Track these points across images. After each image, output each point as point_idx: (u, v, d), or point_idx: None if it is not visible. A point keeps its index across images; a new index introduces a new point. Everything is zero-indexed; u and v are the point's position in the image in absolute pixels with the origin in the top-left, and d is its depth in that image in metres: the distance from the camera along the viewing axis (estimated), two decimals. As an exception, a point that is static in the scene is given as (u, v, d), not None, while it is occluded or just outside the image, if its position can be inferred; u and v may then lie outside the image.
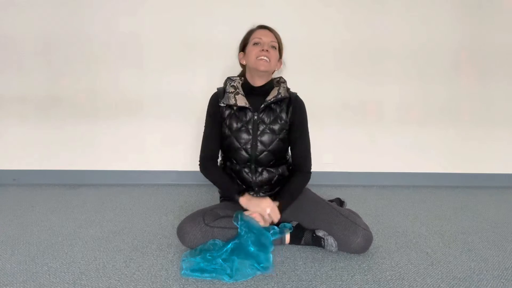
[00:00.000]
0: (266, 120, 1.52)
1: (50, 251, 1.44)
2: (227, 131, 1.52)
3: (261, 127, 1.51)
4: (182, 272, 1.25)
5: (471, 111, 2.47)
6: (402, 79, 2.41)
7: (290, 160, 1.64)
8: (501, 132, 2.50)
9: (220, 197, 1.67)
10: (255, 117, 1.51)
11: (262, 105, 1.51)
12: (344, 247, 1.43)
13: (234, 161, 1.55)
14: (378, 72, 2.39)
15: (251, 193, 1.55)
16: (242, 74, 1.61)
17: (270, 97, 1.51)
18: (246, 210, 1.45)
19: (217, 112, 1.53)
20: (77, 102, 2.33)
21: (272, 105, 1.53)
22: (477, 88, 2.44)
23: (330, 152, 2.46)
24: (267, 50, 1.46)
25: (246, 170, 1.55)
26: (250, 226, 1.35)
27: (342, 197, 1.89)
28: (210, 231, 1.39)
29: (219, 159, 1.63)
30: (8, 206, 1.97)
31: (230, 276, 1.22)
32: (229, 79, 1.58)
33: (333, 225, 1.44)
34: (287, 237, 1.49)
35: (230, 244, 1.32)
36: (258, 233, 1.34)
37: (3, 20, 2.24)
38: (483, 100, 2.46)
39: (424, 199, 2.21)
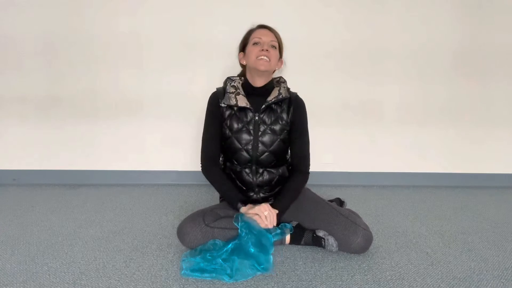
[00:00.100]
0: (267, 120, 1.51)
1: (50, 251, 1.44)
2: (227, 131, 1.51)
3: (262, 128, 1.51)
4: (182, 272, 1.25)
5: (471, 111, 2.47)
6: (402, 79, 2.41)
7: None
8: (501, 132, 2.50)
9: (220, 197, 1.66)
10: (256, 118, 1.50)
11: (263, 106, 1.50)
12: (344, 247, 1.42)
13: (235, 162, 1.54)
14: (378, 72, 2.39)
15: (251, 193, 1.55)
16: (242, 74, 1.60)
17: (271, 97, 1.51)
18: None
19: (218, 112, 1.52)
20: (77, 102, 2.34)
21: (273, 105, 1.53)
22: (477, 88, 2.44)
23: (330, 152, 2.46)
24: (267, 50, 1.45)
25: (247, 171, 1.54)
26: (251, 227, 1.35)
27: (342, 197, 1.89)
28: (210, 231, 1.39)
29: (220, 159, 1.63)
30: (8, 206, 1.97)
31: (230, 276, 1.22)
32: (229, 79, 1.57)
33: (333, 225, 1.44)
34: (287, 237, 1.49)
35: (230, 244, 1.32)
36: (259, 234, 1.33)
37: (3, 20, 2.24)
38: (483, 100, 2.46)
39: (424, 199, 2.21)
